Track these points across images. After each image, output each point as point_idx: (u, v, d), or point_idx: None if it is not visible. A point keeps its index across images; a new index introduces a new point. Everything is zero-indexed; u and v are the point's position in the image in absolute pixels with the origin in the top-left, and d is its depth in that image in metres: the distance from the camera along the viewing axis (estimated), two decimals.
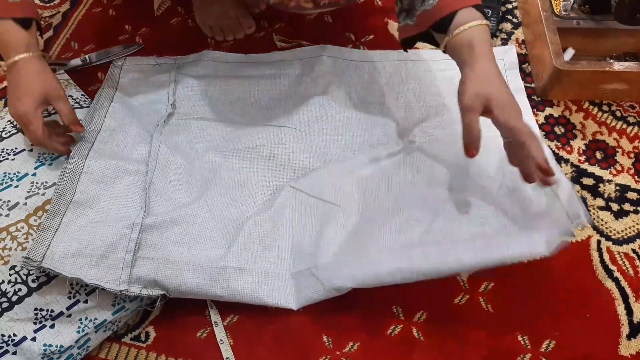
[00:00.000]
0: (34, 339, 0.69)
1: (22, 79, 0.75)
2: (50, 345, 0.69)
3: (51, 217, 0.74)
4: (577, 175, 0.91)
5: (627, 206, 0.89)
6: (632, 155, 0.94)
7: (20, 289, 0.69)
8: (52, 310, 0.70)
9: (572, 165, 0.92)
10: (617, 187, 0.90)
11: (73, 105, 0.87)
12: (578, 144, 0.95)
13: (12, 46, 0.75)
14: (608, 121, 0.97)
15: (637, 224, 0.87)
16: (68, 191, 0.77)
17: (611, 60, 1.00)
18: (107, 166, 0.82)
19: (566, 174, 0.91)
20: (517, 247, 0.69)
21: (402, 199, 0.81)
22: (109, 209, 0.79)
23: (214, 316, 0.79)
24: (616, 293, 0.81)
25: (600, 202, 0.89)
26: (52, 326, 0.70)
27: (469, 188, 0.80)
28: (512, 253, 0.69)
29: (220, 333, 0.78)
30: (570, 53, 1.00)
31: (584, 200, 0.89)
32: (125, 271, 0.74)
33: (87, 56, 1.03)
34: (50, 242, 0.72)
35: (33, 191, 0.76)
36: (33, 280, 0.70)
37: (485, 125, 0.69)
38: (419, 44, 0.89)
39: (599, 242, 0.85)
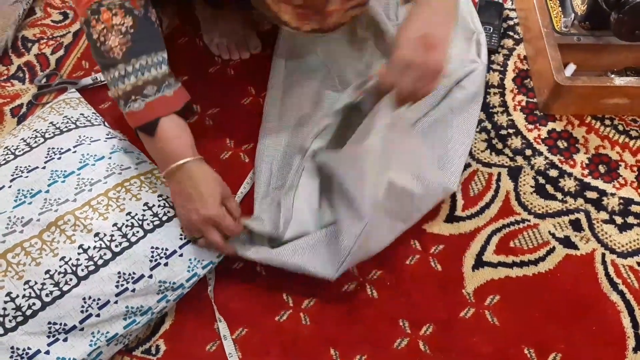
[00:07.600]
0: (47, 352, 0.70)
1: (202, 182, 0.76)
2: (63, 359, 0.70)
3: None
4: (581, 189, 0.92)
5: (630, 219, 0.89)
6: (635, 168, 0.95)
7: (34, 303, 0.71)
8: (65, 324, 0.71)
9: (576, 179, 0.93)
10: (621, 201, 0.91)
11: (84, 124, 0.89)
12: (581, 157, 0.96)
13: (179, 150, 0.76)
14: (610, 135, 0.98)
15: None
16: None
17: (612, 75, 1.01)
18: None
19: (569, 187, 0.92)
20: None
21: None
22: None
23: (223, 330, 0.80)
24: (621, 306, 0.82)
25: (604, 215, 0.90)
26: (65, 339, 0.71)
27: None
28: None
29: (229, 346, 0.79)
30: (571, 68, 1.01)
31: (587, 213, 0.90)
32: None
33: (97, 75, 1.05)
34: None
35: (46, 207, 0.78)
36: (47, 295, 0.71)
37: None
38: None
39: (603, 255, 0.86)
